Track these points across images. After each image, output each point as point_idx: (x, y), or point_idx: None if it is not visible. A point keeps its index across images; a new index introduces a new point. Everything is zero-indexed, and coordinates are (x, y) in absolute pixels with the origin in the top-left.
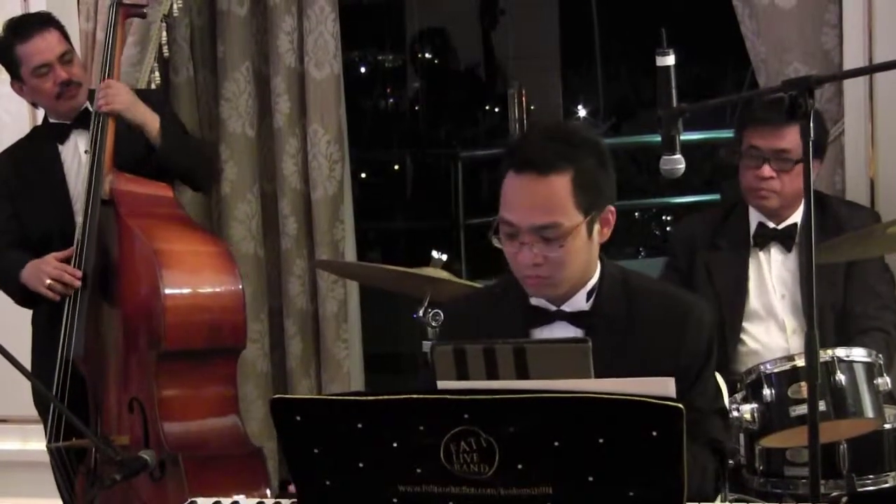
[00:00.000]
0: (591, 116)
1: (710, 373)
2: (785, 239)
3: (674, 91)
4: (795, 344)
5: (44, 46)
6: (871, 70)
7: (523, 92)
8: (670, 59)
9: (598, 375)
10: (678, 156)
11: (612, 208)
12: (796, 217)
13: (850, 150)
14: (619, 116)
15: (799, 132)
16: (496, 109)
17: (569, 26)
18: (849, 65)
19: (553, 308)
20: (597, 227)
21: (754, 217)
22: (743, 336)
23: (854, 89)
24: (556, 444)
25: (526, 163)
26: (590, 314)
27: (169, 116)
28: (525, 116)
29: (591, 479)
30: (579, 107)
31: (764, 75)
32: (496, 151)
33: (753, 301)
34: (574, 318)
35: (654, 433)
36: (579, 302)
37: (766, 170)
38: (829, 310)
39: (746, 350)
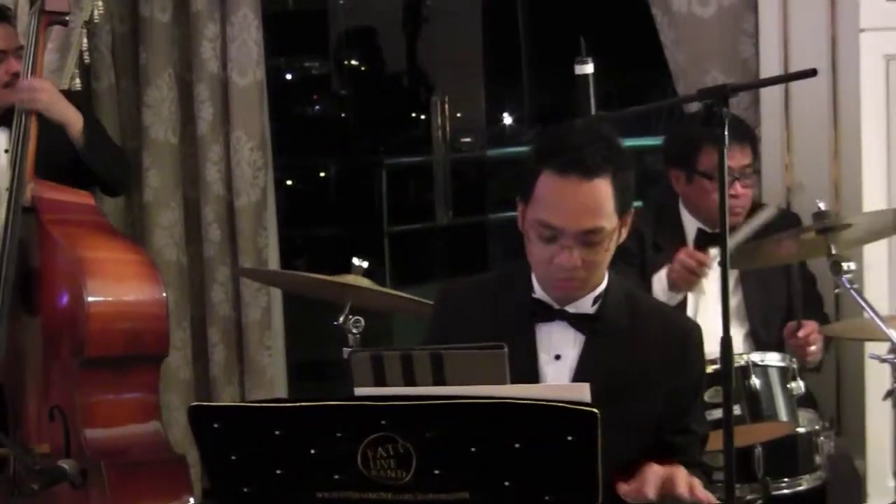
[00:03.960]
0: (517, 124)
1: (702, 397)
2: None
3: (592, 99)
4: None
5: (2, 34)
6: (784, 79)
7: (446, 100)
8: (589, 68)
9: (592, 382)
10: None
11: (632, 210)
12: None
13: (766, 157)
14: (545, 124)
15: (749, 146)
16: (422, 117)
17: (492, 34)
18: (765, 73)
19: (556, 306)
20: (623, 229)
21: (691, 223)
22: None
23: (770, 97)
24: (473, 449)
25: (571, 165)
26: (594, 319)
27: (91, 120)
28: (448, 124)
29: (507, 484)
30: (504, 114)
31: (683, 84)
32: (420, 159)
33: (691, 305)
34: (576, 321)
35: (570, 438)
36: (584, 305)
37: (738, 187)
38: (775, 311)
39: None
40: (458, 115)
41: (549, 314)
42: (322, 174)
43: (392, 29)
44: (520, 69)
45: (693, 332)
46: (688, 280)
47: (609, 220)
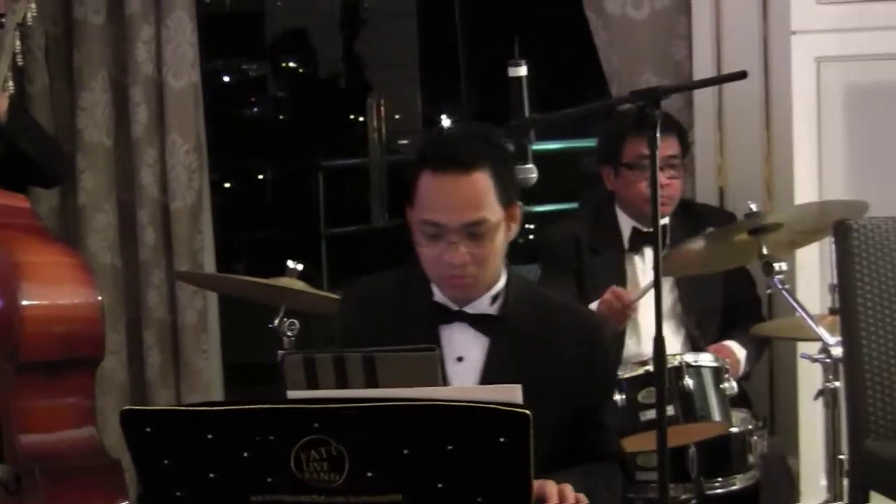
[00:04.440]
0: (456, 125)
1: (613, 392)
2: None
3: (525, 101)
4: (671, 347)
5: None
6: (715, 81)
7: (381, 102)
8: (522, 70)
9: (500, 383)
10: (530, 165)
11: (520, 204)
12: (666, 220)
13: (700, 158)
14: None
15: (676, 139)
16: (360, 119)
17: (429, 36)
18: (698, 75)
19: (455, 308)
20: (509, 223)
21: (626, 222)
22: (622, 341)
23: (703, 99)
24: (406, 451)
25: (447, 161)
26: (496, 319)
27: (20, 109)
28: (384, 126)
29: (439, 486)
30: (443, 116)
31: (617, 86)
32: (357, 161)
33: None
34: (476, 321)
35: (502, 440)
36: (483, 305)
37: (662, 178)
38: (710, 314)
39: (623, 354)
40: (397, 116)
41: (449, 316)
42: (260, 176)
43: (329, 31)
44: (458, 71)
45: (600, 327)
46: (617, 319)
47: (492, 211)
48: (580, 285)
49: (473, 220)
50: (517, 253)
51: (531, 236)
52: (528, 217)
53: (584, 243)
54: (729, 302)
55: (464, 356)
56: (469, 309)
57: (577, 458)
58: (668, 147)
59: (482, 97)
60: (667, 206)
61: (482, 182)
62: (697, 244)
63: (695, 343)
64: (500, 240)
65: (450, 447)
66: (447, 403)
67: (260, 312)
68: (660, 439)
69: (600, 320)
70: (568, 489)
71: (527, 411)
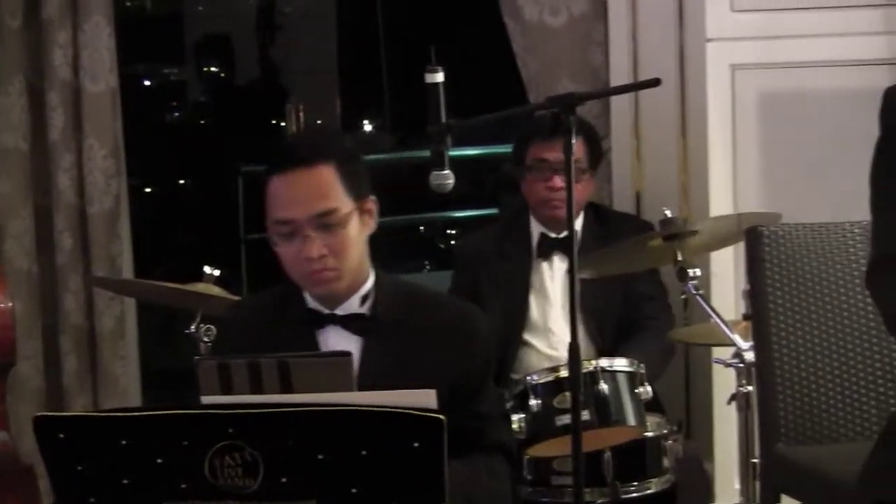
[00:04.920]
0: (378, 130)
1: (491, 378)
2: (567, 248)
3: (442, 107)
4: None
5: None
6: (629, 88)
7: (301, 107)
8: (439, 77)
9: (376, 382)
10: (447, 171)
11: (374, 198)
12: (577, 225)
13: (616, 164)
14: (406, 130)
15: (583, 143)
16: (282, 124)
17: (349, 42)
18: (615, 82)
19: (326, 311)
20: (364, 217)
21: (536, 228)
22: (525, 346)
23: (620, 106)
24: (320, 457)
25: (290, 160)
26: (366, 319)
27: None
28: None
29: (354, 491)
30: (365, 121)
31: (535, 92)
32: None
33: (535, 311)
34: (348, 322)
35: (416, 444)
36: (353, 306)
37: (557, 181)
38: (610, 317)
39: (528, 360)
40: (318, 122)
41: (322, 321)
42: (181, 181)
43: (251, 35)
44: (380, 76)
45: (472, 317)
46: None
47: (341, 201)
48: (486, 291)
49: (322, 210)
50: (439, 258)
51: (453, 242)
52: (450, 223)
53: (494, 249)
54: (630, 307)
55: None
56: (340, 311)
57: (459, 449)
58: (561, 152)
59: (404, 102)
60: (556, 209)
61: (326, 174)
62: (611, 251)
63: (596, 347)
64: (355, 231)
65: (364, 452)
66: (361, 408)
67: (179, 318)
68: (575, 444)
69: (472, 310)
70: None
71: (441, 416)
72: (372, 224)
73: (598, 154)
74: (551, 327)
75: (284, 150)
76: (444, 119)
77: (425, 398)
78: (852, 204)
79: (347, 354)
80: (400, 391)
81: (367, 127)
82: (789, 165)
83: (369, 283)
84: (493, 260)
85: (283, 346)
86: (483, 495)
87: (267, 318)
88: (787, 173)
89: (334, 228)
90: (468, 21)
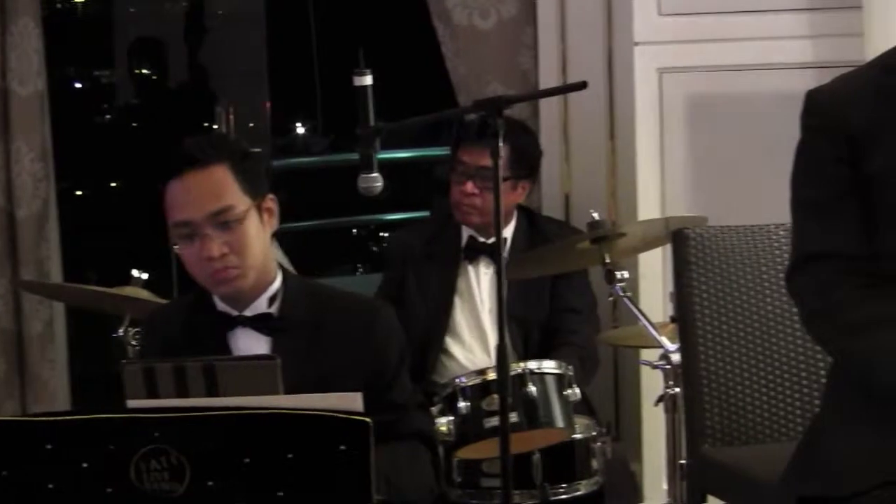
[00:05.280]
0: (310, 133)
1: (405, 371)
2: (494, 253)
3: (371, 110)
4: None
5: None
6: (556, 91)
7: (231, 110)
8: (368, 79)
9: (286, 381)
10: (376, 174)
11: (273, 197)
12: (506, 232)
13: (545, 167)
14: (338, 133)
15: (508, 150)
16: (215, 126)
17: (279, 43)
18: (544, 85)
19: (234, 313)
20: (264, 216)
21: (465, 231)
22: (449, 349)
23: (549, 109)
24: (247, 460)
25: (184, 163)
26: (275, 319)
27: None
28: (232, 134)
29: (281, 494)
30: (297, 124)
31: (464, 95)
32: None
33: (460, 314)
34: (257, 323)
35: (342, 447)
36: (261, 306)
37: (469, 186)
38: (535, 325)
39: (452, 363)
40: (251, 125)
41: (231, 322)
42: (113, 184)
43: (182, 37)
44: (312, 78)
45: (380, 311)
46: None
47: (236, 199)
48: (412, 291)
49: (217, 208)
50: (373, 261)
51: (385, 244)
52: (383, 226)
53: (422, 250)
54: (556, 318)
55: None
56: (248, 312)
57: (377, 441)
58: (484, 157)
59: (337, 104)
60: (472, 216)
61: (220, 174)
62: (539, 254)
63: (517, 353)
64: (255, 229)
65: (290, 455)
66: (287, 412)
67: (108, 322)
68: (503, 446)
69: (378, 304)
70: None
71: (367, 419)
72: (273, 223)
73: (527, 162)
74: (476, 330)
75: (178, 155)
76: (372, 122)
77: (351, 402)
78: (779, 206)
79: (274, 358)
80: (326, 394)
81: (300, 130)
82: (716, 168)
83: (276, 284)
84: (420, 260)
85: (198, 350)
86: (404, 478)
87: (181, 321)
88: (714, 176)
89: (232, 226)
90: (399, 24)
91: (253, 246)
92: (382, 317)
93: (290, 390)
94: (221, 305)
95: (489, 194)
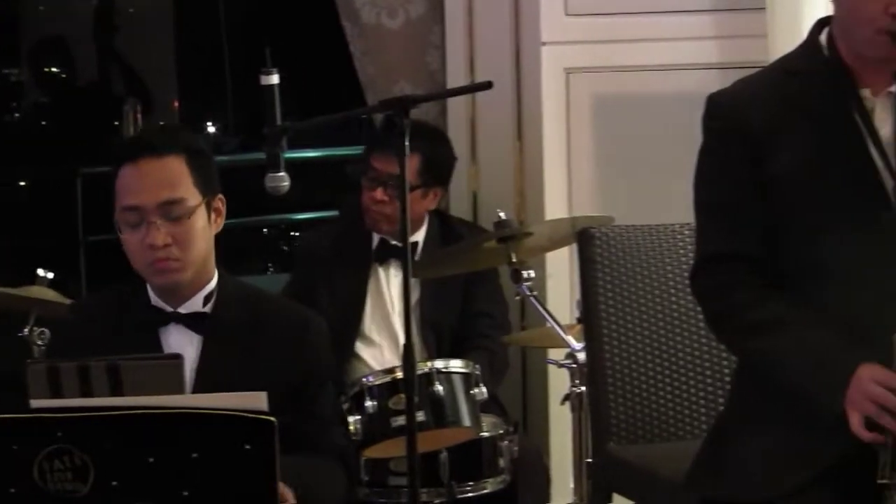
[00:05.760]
0: (221, 132)
1: (330, 383)
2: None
3: (278, 109)
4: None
5: None
6: (462, 91)
7: (138, 108)
8: (274, 79)
9: (214, 381)
10: (283, 173)
11: (223, 197)
12: (418, 236)
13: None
14: (249, 132)
15: (418, 158)
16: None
17: (188, 42)
18: (452, 85)
19: (169, 309)
20: (213, 215)
21: (377, 234)
22: (359, 351)
23: (457, 109)
24: (151, 460)
25: (141, 149)
26: (209, 318)
27: None
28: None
29: (186, 494)
30: (208, 123)
31: (372, 94)
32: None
33: (371, 317)
34: (191, 321)
35: (248, 447)
36: (196, 305)
37: (379, 193)
38: (446, 329)
39: (362, 365)
40: (161, 123)
41: (165, 318)
42: (21, 183)
43: (91, 36)
44: (223, 77)
45: (313, 321)
46: None
47: (189, 193)
48: (322, 293)
49: (169, 198)
50: (283, 261)
51: (296, 244)
52: (292, 225)
53: (333, 251)
54: (467, 322)
55: (181, 356)
56: (183, 309)
57: (295, 450)
58: (390, 165)
59: (247, 103)
60: (381, 223)
61: (176, 165)
62: (447, 253)
63: (429, 355)
64: (202, 225)
65: (195, 455)
66: (192, 411)
67: (13, 321)
68: (410, 445)
69: (312, 315)
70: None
71: (272, 418)
72: (220, 223)
73: (439, 171)
74: (386, 332)
75: (135, 140)
76: (279, 121)
77: (256, 401)
78: (684, 206)
79: (178, 357)
80: (230, 394)
81: (211, 129)
82: (623, 168)
83: (213, 283)
84: (331, 261)
85: (125, 346)
86: (319, 494)
87: (109, 316)
88: (620, 176)
89: (180, 219)
90: (308, 23)
91: (197, 242)
92: (316, 325)
93: (217, 391)
94: (156, 300)
95: (396, 203)
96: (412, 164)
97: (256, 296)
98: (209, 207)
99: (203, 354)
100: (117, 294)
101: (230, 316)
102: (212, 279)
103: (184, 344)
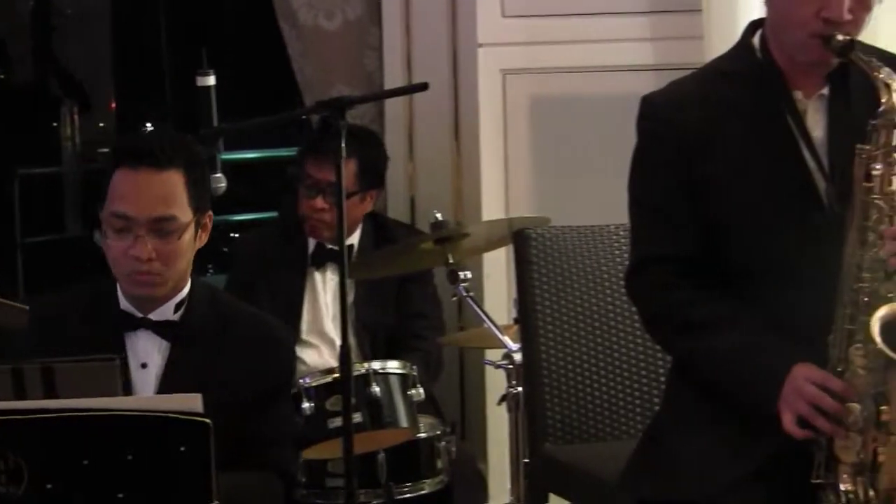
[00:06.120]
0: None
1: (289, 397)
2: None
3: (214, 110)
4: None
5: None
6: (398, 92)
7: (76, 109)
8: (211, 80)
9: (179, 389)
10: (219, 174)
11: (211, 214)
12: (353, 239)
13: (391, 168)
14: (189, 133)
15: (354, 164)
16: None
17: (127, 44)
18: (389, 86)
19: (140, 315)
20: (199, 232)
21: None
22: (298, 354)
23: (394, 110)
24: (86, 462)
25: (142, 157)
26: (178, 325)
27: None
28: (77, 134)
29: (121, 496)
30: (147, 124)
31: (310, 96)
32: (55, 169)
33: (307, 319)
34: (160, 328)
35: (182, 448)
36: (167, 312)
37: (319, 202)
38: (382, 330)
39: (300, 366)
40: (101, 125)
41: (134, 323)
42: None
43: (27, 36)
44: (162, 79)
45: (280, 333)
46: None
47: (181, 211)
48: (261, 295)
49: (162, 215)
50: (222, 261)
51: (234, 245)
52: (230, 226)
53: (271, 254)
54: (402, 324)
55: (147, 363)
56: (153, 316)
57: (243, 462)
58: (327, 173)
59: (188, 104)
60: (321, 231)
61: (175, 181)
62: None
63: (364, 356)
64: (188, 243)
65: (130, 457)
66: (126, 413)
67: None
68: (346, 446)
69: (280, 328)
70: None
71: (207, 420)
72: (204, 239)
73: (375, 173)
74: (322, 336)
75: (139, 145)
76: (215, 122)
77: (191, 402)
78: (620, 206)
79: (113, 359)
80: (165, 395)
81: (150, 130)
82: (559, 169)
83: (185, 291)
84: (269, 264)
85: (89, 347)
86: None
87: (74, 317)
88: (557, 176)
89: (169, 236)
90: (246, 24)
91: (181, 259)
92: (281, 340)
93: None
94: (126, 305)
95: (335, 209)
96: (349, 169)
97: (227, 305)
98: (198, 224)
99: (168, 363)
100: (86, 295)
101: (199, 325)
102: (185, 287)
103: (151, 350)
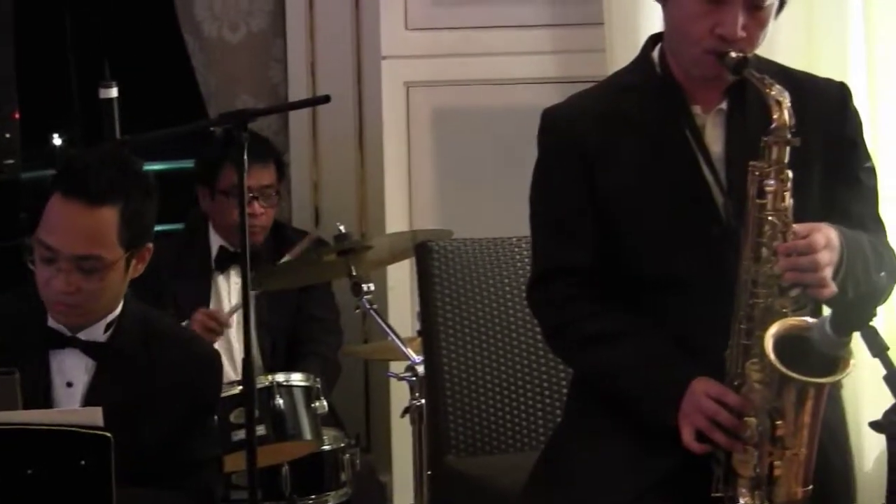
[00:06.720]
0: (68, 143)
1: (216, 424)
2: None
3: (117, 122)
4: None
5: None
6: (300, 105)
7: None
8: (113, 92)
9: (106, 411)
10: None
11: (150, 245)
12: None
13: (295, 180)
14: (99, 143)
15: (274, 167)
16: None
17: (31, 50)
18: (294, 98)
19: (69, 334)
20: (133, 262)
21: (215, 241)
22: None
23: (299, 122)
24: None
25: (76, 190)
26: (105, 347)
27: None
28: None
29: None
30: (54, 134)
31: (214, 107)
32: None
33: None
34: (88, 348)
35: (83, 462)
36: (97, 332)
37: (257, 207)
38: (281, 333)
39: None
40: (7, 136)
41: (62, 341)
42: None
43: None
44: (69, 88)
45: (210, 358)
46: (211, 339)
47: (109, 250)
48: (166, 303)
49: (86, 254)
50: None
51: None
52: None
53: (174, 261)
54: (300, 327)
55: (73, 381)
56: (82, 335)
57: (168, 482)
58: (265, 176)
59: (97, 115)
60: (258, 235)
61: (106, 219)
62: (287, 266)
63: (265, 364)
64: (115, 278)
65: (30, 471)
66: (26, 427)
67: None
68: (250, 459)
69: (210, 350)
70: None
71: (107, 434)
72: (140, 268)
73: (282, 177)
74: (223, 343)
75: (76, 174)
76: (118, 134)
77: (91, 416)
78: (523, 219)
79: (12, 372)
80: (66, 409)
81: (57, 140)
82: (462, 181)
83: (117, 311)
84: (173, 271)
85: (10, 363)
86: None
87: (4, 324)
88: (460, 189)
89: (92, 274)
90: (150, 35)
91: (105, 294)
92: (211, 365)
93: (105, 418)
94: (53, 322)
95: (272, 210)
96: (269, 173)
97: (157, 327)
98: (129, 260)
99: (94, 383)
100: (9, 305)
101: (128, 346)
102: (117, 308)
103: (77, 369)
